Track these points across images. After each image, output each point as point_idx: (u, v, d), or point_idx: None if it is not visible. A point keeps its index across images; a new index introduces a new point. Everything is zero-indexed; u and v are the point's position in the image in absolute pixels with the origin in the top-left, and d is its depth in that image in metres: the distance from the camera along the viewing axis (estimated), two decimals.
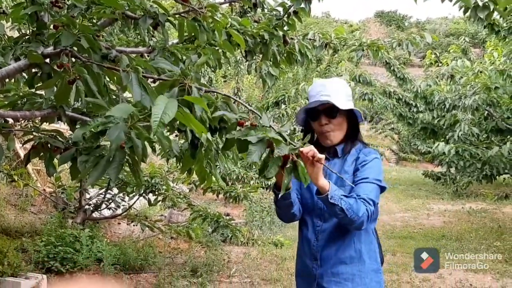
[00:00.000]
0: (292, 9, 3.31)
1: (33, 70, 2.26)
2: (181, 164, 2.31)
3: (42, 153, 2.34)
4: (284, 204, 2.07)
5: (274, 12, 3.44)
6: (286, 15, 3.35)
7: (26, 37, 2.39)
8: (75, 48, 2.08)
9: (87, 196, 6.39)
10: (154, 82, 2.01)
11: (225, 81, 21.17)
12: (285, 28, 3.41)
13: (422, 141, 14.37)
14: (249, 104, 2.05)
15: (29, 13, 2.33)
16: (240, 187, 6.63)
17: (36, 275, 4.47)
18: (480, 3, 3.66)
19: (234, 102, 2.02)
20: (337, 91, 2.12)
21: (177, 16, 2.72)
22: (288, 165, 1.69)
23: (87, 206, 6.26)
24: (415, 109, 11.93)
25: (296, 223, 2.27)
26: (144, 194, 5.98)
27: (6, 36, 2.55)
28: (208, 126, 1.81)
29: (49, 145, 2.31)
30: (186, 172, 2.49)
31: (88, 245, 5.24)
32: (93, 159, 1.61)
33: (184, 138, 2.02)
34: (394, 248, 7.40)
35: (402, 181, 17.30)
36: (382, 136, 25.58)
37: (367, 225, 1.99)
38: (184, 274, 5.36)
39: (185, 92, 1.69)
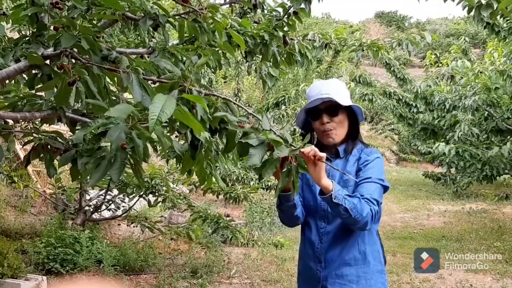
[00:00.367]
0: (292, 9, 3.30)
1: (33, 72, 2.26)
2: (181, 165, 2.31)
3: (42, 155, 2.34)
4: (287, 207, 2.06)
5: (274, 13, 3.44)
6: (286, 16, 3.34)
7: (26, 39, 2.39)
8: (75, 50, 2.07)
9: (87, 197, 6.39)
10: (154, 83, 2.01)
11: (225, 82, 21.18)
12: (285, 28, 3.41)
13: (422, 142, 14.35)
14: (249, 106, 2.05)
15: (29, 14, 2.33)
16: (240, 188, 6.62)
17: (36, 276, 4.47)
18: (484, 2, 3.65)
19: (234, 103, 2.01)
20: (336, 90, 2.14)
21: (177, 17, 2.73)
22: (285, 168, 1.69)
23: (87, 207, 6.26)
24: (415, 110, 11.94)
25: None
26: (144, 195, 5.97)
27: (6, 38, 2.55)
28: (208, 126, 1.81)
29: (49, 146, 2.31)
30: (186, 173, 2.48)
31: (88, 246, 5.24)
32: (94, 161, 1.60)
33: (184, 139, 2.02)
34: (394, 249, 7.39)
35: (402, 182, 17.30)
36: (382, 137, 25.56)
37: (371, 225, 1.97)
38: (184, 275, 5.36)
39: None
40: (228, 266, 6.04)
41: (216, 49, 3.02)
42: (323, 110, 2.13)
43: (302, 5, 3.29)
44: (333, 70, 17.55)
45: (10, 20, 2.66)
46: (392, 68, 11.24)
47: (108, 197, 6.29)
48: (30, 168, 7.28)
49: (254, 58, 3.55)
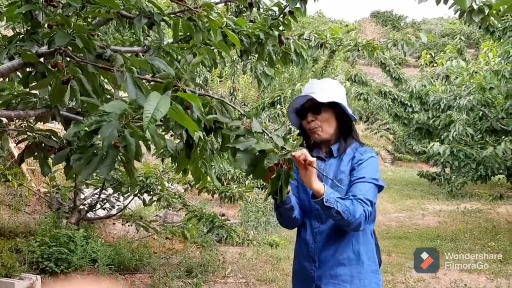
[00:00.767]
0: (287, 9, 3.30)
1: (27, 70, 2.25)
2: (176, 164, 2.30)
3: (36, 153, 2.33)
4: (284, 209, 2.05)
5: (270, 12, 3.43)
6: (281, 15, 3.34)
7: (20, 36, 2.37)
8: (70, 48, 2.06)
9: (82, 196, 6.37)
10: (148, 82, 2.00)
11: (221, 81, 21.15)
12: (281, 28, 3.40)
13: (417, 141, 14.38)
14: (245, 105, 2.05)
15: (24, 12, 2.32)
16: (235, 187, 6.62)
17: (30, 275, 4.45)
18: (475, 7, 3.66)
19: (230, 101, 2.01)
20: (322, 88, 2.15)
21: (172, 15, 2.71)
22: (275, 174, 1.69)
23: (81, 206, 6.24)
24: (410, 109, 11.97)
25: None
26: (139, 194, 5.96)
27: (0, 35, 2.54)
28: (203, 125, 1.81)
29: (43, 144, 2.30)
30: (181, 172, 2.48)
31: (82, 245, 5.22)
32: (86, 157, 1.60)
33: (179, 138, 2.01)
34: (389, 248, 7.41)
35: (397, 181, 17.35)
36: (378, 136, 25.64)
37: (365, 226, 1.96)
38: (179, 275, 5.35)
39: None
40: (223, 265, 6.04)
41: (211, 48, 3.01)
42: (307, 109, 2.15)
43: (298, 5, 3.28)
44: (329, 70, 17.57)
45: (4, 18, 2.64)
46: (387, 68, 11.26)
47: (102, 196, 6.27)
48: (24, 167, 7.25)
49: (249, 57, 3.54)
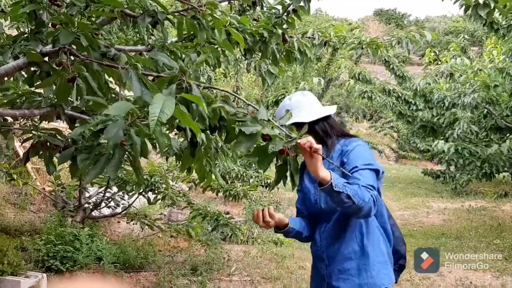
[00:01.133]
0: (291, 7, 3.30)
1: (32, 69, 2.26)
2: (180, 163, 2.30)
3: (41, 152, 2.34)
4: (292, 236, 2.14)
5: (273, 10, 3.43)
6: (285, 13, 3.34)
7: (25, 36, 2.39)
8: (74, 47, 2.07)
9: (87, 194, 6.38)
10: (153, 80, 2.01)
11: (225, 81, 21.13)
12: (284, 26, 3.40)
13: (421, 139, 14.36)
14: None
15: (28, 11, 2.33)
16: (240, 186, 6.62)
17: (36, 274, 4.47)
18: (481, 1, 3.64)
19: (233, 100, 2.02)
20: (279, 116, 2.13)
21: (176, 14, 2.72)
22: (280, 162, 1.69)
23: (86, 205, 6.26)
24: (414, 107, 11.94)
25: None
26: (143, 193, 5.97)
27: (4, 35, 2.55)
28: (208, 123, 1.81)
29: (48, 143, 2.31)
30: (185, 170, 2.49)
31: (88, 243, 5.24)
32: (92, 157, 1.60)
33: (183, 137, 2.02)
34: None
35: (402, 179, 17.30)
36: (382, 135, 25.57)
37: (375, 211, 1.92)
38: (184, 273, 5.36)
39: (184, 89, 1.68)
40: (228, 263, 6.04)
41: (215, 47, 3.01)
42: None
43: (302, 3, 3.28)
44: (332, 68, 17.54)
45: (9, 17, 2.66)
46: (391, 66, 11.23)
47: (107, 194, 6.29)
48: (29, 166, 7.27)
49: (253, 56, 3.55)
